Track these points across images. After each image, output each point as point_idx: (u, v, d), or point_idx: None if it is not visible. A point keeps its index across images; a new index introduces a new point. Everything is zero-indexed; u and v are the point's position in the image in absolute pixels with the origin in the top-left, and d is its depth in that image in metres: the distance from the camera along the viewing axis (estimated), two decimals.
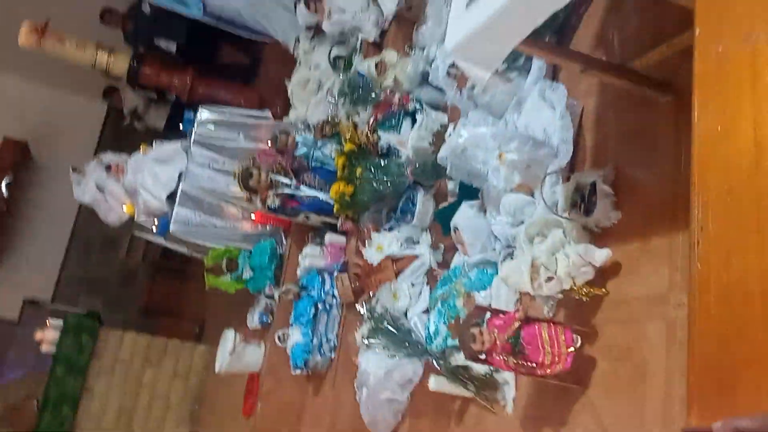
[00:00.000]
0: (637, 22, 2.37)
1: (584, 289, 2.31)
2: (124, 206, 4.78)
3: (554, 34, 2.79)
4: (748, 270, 0.85)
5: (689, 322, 0.92)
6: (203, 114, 4.33)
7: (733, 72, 0.94)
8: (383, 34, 4.03)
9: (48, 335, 4.97)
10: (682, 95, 2.11)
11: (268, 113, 4.56)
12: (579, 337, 2.24)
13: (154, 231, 4.47)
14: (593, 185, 2.38)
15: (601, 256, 2.27)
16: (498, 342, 2.28)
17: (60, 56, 5.11)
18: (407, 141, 3.45)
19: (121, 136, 7.75)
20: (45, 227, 7.88)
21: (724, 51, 0.97)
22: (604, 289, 2.31)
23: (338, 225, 3.77)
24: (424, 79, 3.61)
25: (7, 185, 7.55)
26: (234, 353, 3.78)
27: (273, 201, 3.72)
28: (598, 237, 2.38)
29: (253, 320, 4.09)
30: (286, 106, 4.62)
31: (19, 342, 7.28)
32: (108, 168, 4.82)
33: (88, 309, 6.32)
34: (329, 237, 3.88)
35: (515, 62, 2.90)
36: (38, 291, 7.72)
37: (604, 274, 2.33)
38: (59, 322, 4.97)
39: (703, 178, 0.93)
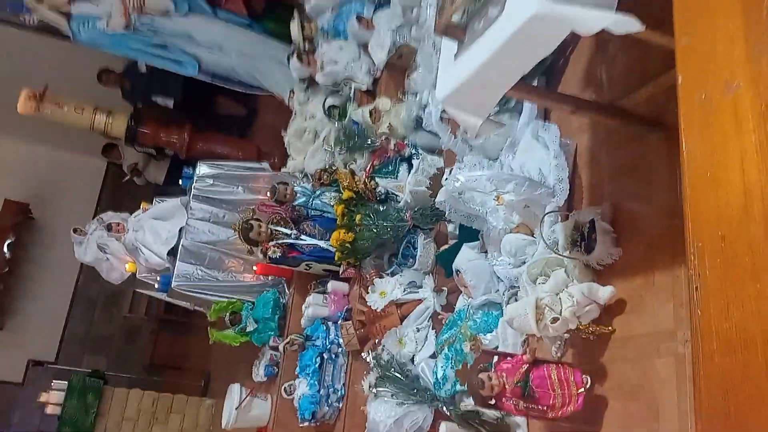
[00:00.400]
0: (624, 61, 2.41)
1: (590, 328, 2.29)
2: (126, 264, 4.79)
3: (543, 75, 2.84)
4: (747, 317, 0.85)
5: (694, 373, 0.92)
6: (202, 169, 4.37)
7: (717, 119, 0.96)
8: (376, 82, 4.11)
9: (52, 397, 4.93)
10: (671, 131, 2.14)
11: (266, 165, 4.61)
12: (588, 377, 2.22)
13: (156, 288, 4.46)
14: (592, 223, 2.39)
15: (605, 293, 2.27)
16: (507, 386, 2.26)
17: (59, 120, 5.20)
18: (405, 186, 3.47)
19: (122, 191, 7.82)
20: (47, 287, 7.88)
21: (708, 98, 0.99)
22: (610, 327, 2.29)
23: (340, 272, 3.77)
24: (418, 124, 3.66)
25: (9, 246, 7.58)
26: (241, 407, 3.73)
27: (274, 252, 3.72)
28: (600, 274, 2.38)
29: (259, 373, 4.05)
30: (284, 157, 4.67)
31: (24, 404, 7.21)
32: (109, 227, 4.84)
33: (92, 368, 6.27)
34: (332, 285, 3.87)
35: (506, 104, 2.95)
36: (42, 351, 7.68)
37: (610, 311, 2.32)
38: (63, 384, 4.93)
39: (697, 225, 0.93)
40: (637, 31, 1.47)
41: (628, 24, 1.42)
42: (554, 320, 2.26)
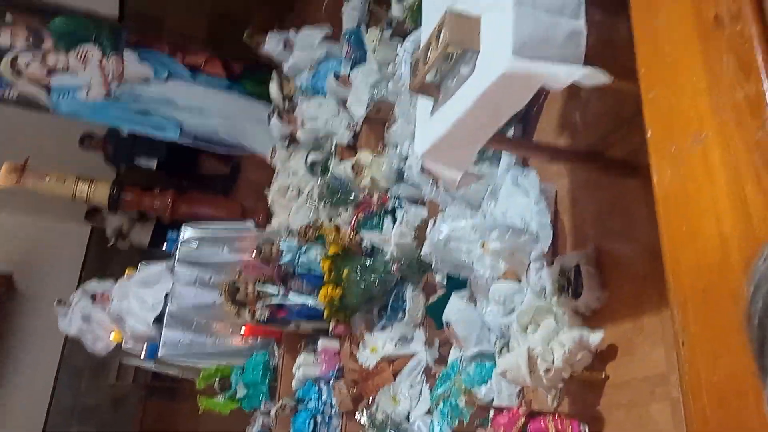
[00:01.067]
0: (596, 106, 2.46)
1: (584, 375, 2.27)
2: (111, 334, 4.70)
3: (519, 123, 2.89)
4: (735, 370, 0.84)
5: (687, 428, 0.90)
6: (186, 232, 4.35)
7: (688, 171, 0.97)
8: (356, 136, 4.15)
9: None
10: (647, 171, 2.17)
11: (250, 224, 4.60)
12: (587, 426, 2.18)
13: (143, 357, 4.37)
14: (577, 267, 2.39)
15: (595, 339, 2.25)
16: None
17: (41, 192, 5.18)
18: (390, 238, 3.47)
19: (106, 256, 7.73)
20: (32, 358, 7.69)
21: (678, 150, 1.01)
22: (604, 374, 2.27)
23: (330, 330, 3.71)
24: (400, 176, 3.68)
25: None
26: None
27: (262, 313, 3.67)
28: (589, 319, 2.36)
29: None
30: (268, 214, 4.67)
31: None
32: (93, 297, 4.77)
33: None
34: (322, 343, 3.81)
35: (485, 153, 2.97)
36: (29, 424, 7.43)
37: (602, 357, 2.29)
38: None
39: (678, 280, 0.93)
40: (606, 83, 1.50)
41: (596, 77, 1.45)
42: (547, 370, 2.23)
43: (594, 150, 2.24)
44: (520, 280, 2.72)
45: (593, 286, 2.33)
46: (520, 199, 2.76)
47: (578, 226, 2.58)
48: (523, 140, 2.62)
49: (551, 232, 2.57)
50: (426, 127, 2.01)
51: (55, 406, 7.79)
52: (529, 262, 2.57)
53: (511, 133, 2.73)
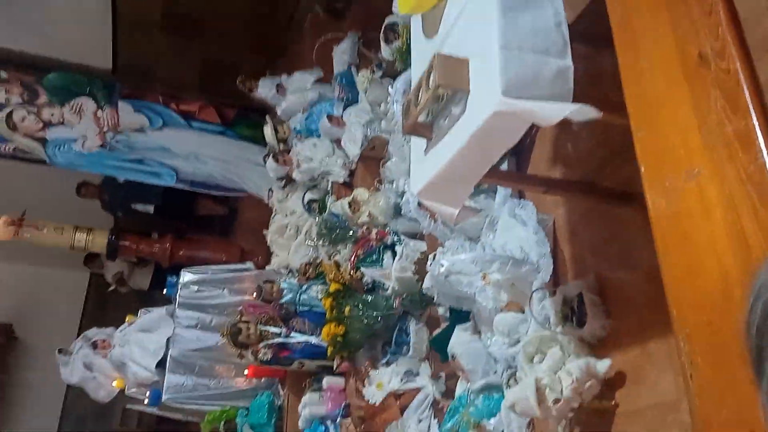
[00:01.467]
0: (588, 138, 2.49)
1: (594, 404, 2.25)
2: (114, 381, 4.65)
3: (513, 156, 2.92)
4: (743, 403, 0.84)
5: None
6: (186, 276, 4.34)
7: (684, 207, 0.98)
8: (352, 173, 4.18)
9: None
10: (642, 199, 2.19)
11: (250, 264, 4.60)
12: None
13: (146, 402, 4.32)
14: (580, 296, 2.39)
15: (603, 367, 2.24)
16: None
17: (39, 243, 5.19)
18: (391, 273, 3.47)
19: (106, 301, 7.70)
20: (34, 408, 7.60)
21: (672, 187, 1.02)
22: (613, 402, 2.25)
23: (334, 367, 3.69)
24: (397, 210, 3.70)
25: None
26: None
27: (265, 354, 3.65)
28: (596, 348, 2.36)
29: None
30: (268, 254, 4.67)
31: None
32: (94, 345, 4.73)
33: None
34: (327, 381, 3.78)
35: (480, 186, 3.00)
36: None
37: (611, 385, 2.28)
38: None
39: (681, 313, 0.94)
40: (595, 118, 1.52)
41: (585, 113, 1.48)
42: (556, 401, 2.22)
43: (588, 180, 2.26)
44: (523, 311, 2.72)
45: (597, 315, 2.33)
46: (519, 230, 2.78)
47: (578, 255, 2.59)
48: (518, 173, 2.64)
49: (551, 261, 2.58)
50: (420, 166, 2.04)
51: None
52: (532, 293, 2.57)
53: (505, 166, 2.76)
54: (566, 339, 2.39)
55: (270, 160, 4.38)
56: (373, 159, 3.89)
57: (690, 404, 0.95)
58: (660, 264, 1.01)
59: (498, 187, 2.91)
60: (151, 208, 6.37)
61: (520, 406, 2.33)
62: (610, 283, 2.38)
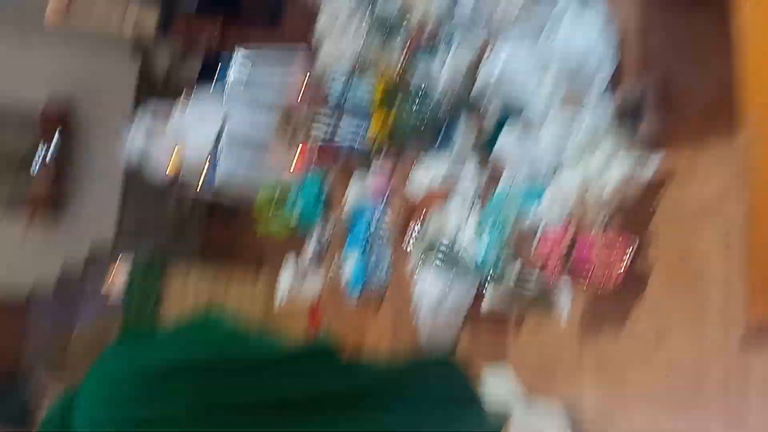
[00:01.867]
0: None
1: (639, 198, 2.33)
2: (171, 159, 4.89)
3: None
4: None
5: (749, 217, 0.95)
6: (237, 59, 4.34)
7: None
8: None
9: (116, 280, 5.21)
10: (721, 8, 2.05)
11: (302, 50, 4.54)
12: (635, 244, 2.28)
13: (200, 186, 4.57)
14: (641, 93, 2.36)
15: (652, 165, 2.28)
16: (552, 256, 2.34)
17: (88, 27, 5.14)
18: (442, 72, 3.42)
19: (156, 91, 7.84)
20: (97, 185, 8.13)
21: None
22: (659, 197, 2.32)
23: (379, 160, 3.81)
24: (452, 8, 3.53)
25: (56, 149, 7.77)
26: (293, 285, 3.94)
27: (314, 141, 3.77)
28: (648, 146, 2.37)
29: (308, 255, 4.22)
30: (317, 46, 4.59)
31: (88, 294, 7.65)
32: (152, 123, 4.88)
33: (150, 252, 6.54)
34: (372, 172, 3.93)
35: None
36: (99, 245, 8.01)
37: (659, 181, 2.33)
38: (125, 267, 5.20)
39: (756, 76, 0.92)
40: None
41: None
42: (600, 195, 2.30)
43: None
44: (578, 109, 2.71)
45: (657, 112, 2.32)
46: (584, 26, 2.66)
47: (645, 53, 2.51)
48: None
49: (616, 58, 2.51)
50: None
51: (122, 228, 8.34)
52: (590, 90, 2.53)
53: None
54: (619, 137, 2.41)
55: None
56: None
57: (746, 165, 0.98)
58: (738, 49, 0.97)
59: None
60: (194, 5, 6.16)
61: (563, 200, 2.43)
62: (676, 83, 2.33)
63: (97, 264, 7.49)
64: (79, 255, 7.72)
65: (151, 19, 5.38)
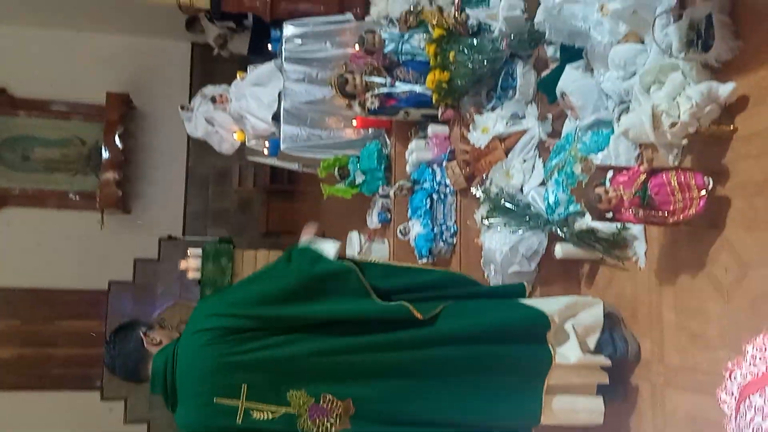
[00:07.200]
0: None
1: (711, 129, 2.23)
2: (235, 134, 5.01)
3: None
4: None
5: None
6: (289, 30, 4.36)
7: None
8: None
9: (191, 264, 5.43)
10: None
11: (350, 16, 4.52)
12: (710, 178, 2.19)
13: (266, 153, 4.67)
14: (709, 18, 2.23)
15: (726, 90, 2.17)
16: (625, 198, 2.27)
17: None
18: (498, 13, 3.33)
19: (210, 68, 7.99)
20: (162, 169, 8.41)
21: None
22: (732, 126, 2.22)
23: (439, 115, 3.77)
24: None
25: (121, 137, 8.06)
26: (362, 252, 3.99)
27: (372, 103, 3.76)
28: (720, 72, 2.26)
29: (373, 221, 4.25)
30: (366, 4, 4.56)
31: (163, 276, 8.01)
32: (213, 100, 5.01)
33: (218, 237, 6.80)
34: (432, 128, 3.90)
35: None
36: (169, 229, 8.34)
37: (731, 110, 2.23)
38: (198, 251, 5.40)
39: None
40: None
41: None
42: (673, 125, 2.21)
43: None
44: (642, 42, 2.60)
45: (726, 36, 2.19)
46: None
47: None
48: None
49: None
50: None
51: (190, 213, 8.65)
52: (654, 20, 2.42)
53: None
54: (688, 65, 2.30)
55: None
56: None
57: None
58: None
59: None
60: None
61: (634, 131, 2.34)
62: (745, 4, 2.20)
63: (171, 248, 7.83)
64: (152, 243, 8.08)
65: None
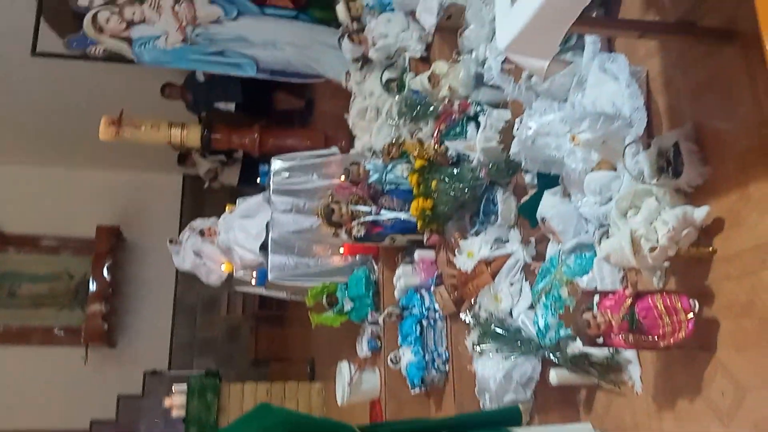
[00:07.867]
0: None
1: (691, 252, 2.26)
2: (223, 265, 5.03)
3: (600, 7, 2.77)
4: None
5: None
6: (276, 164, 4.53)
7: None
8: (428, 47, 4.10)
9: (176, 400, 5.25)
10: (747, 39, 2.06)
11: (335, 149, 4.72)
12: (696, 301, 2.19)
13: (254, 283, 4.67)
14: (676, 145, 2.34)
15: (701, 214, 2.22)
16: (613, 322, 2.26)
17: (138, 141, 5.48)
18: (475, 144, 3.48)
19: (201, 199, 8.20)
20: (149, 301, 8.36)
21: None
22: (711, 248, 2.25)
23: (425, 240, 3.82)
24: (478, 80, 3.64)
25: (109, 269, 8.06)
26: (352, 383, 3.88)
27: (358, 231, 3.82)
28: (692, 196, 2.33)
29: (363, 349, 4.19)
30: (350, 138, 4.76)
31: (148, 412, 7.68)
32: (201, 233, 5.09)
33: (203, 369, 6.62)
34: (418, 254, 3.94)
35: (567, 42, 2.89)
36: (154, 361, 8.13)
37: (708, 232, 2.27)
38: (183, 387, 5.24)
39: None
40: None
41: None
42: (652, 249, 2.24)
43: (686, 20, 2.14)
44: (615, 169, 2.69)
45: (694, 162, 2.28)
46: (610, 85, 2.69)
47: (674, 105, 2.51)
48: (610, 18, 2.52)
49: (645, 114, 2.51)
50: (507, 18, 1.99)
51: (176, 343, 8.49)
52: (624, 148, 2.53)
53: (594, 15, 2.63)
54: (661, 191, 2.37)
55: (345, 41, 4.36)
56: (449, 29, 3.80)
57: None
58: None
59: (586, 42, 2.80)
60: (232, 106, 6.56)
61: (615, 256, 2.37)
62: (708, 131, 2.31)
63: (156, 383, 7.59)
64: (137, 377, 7.85)
65: (195, 131, 5.65)
